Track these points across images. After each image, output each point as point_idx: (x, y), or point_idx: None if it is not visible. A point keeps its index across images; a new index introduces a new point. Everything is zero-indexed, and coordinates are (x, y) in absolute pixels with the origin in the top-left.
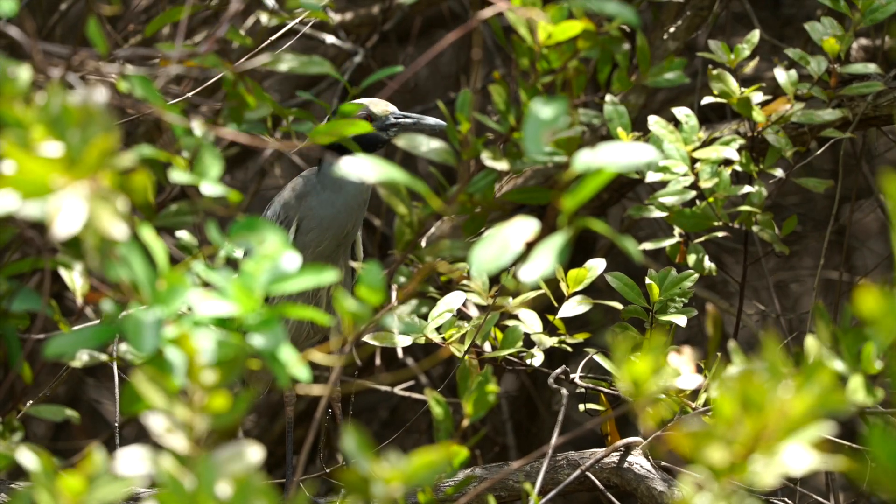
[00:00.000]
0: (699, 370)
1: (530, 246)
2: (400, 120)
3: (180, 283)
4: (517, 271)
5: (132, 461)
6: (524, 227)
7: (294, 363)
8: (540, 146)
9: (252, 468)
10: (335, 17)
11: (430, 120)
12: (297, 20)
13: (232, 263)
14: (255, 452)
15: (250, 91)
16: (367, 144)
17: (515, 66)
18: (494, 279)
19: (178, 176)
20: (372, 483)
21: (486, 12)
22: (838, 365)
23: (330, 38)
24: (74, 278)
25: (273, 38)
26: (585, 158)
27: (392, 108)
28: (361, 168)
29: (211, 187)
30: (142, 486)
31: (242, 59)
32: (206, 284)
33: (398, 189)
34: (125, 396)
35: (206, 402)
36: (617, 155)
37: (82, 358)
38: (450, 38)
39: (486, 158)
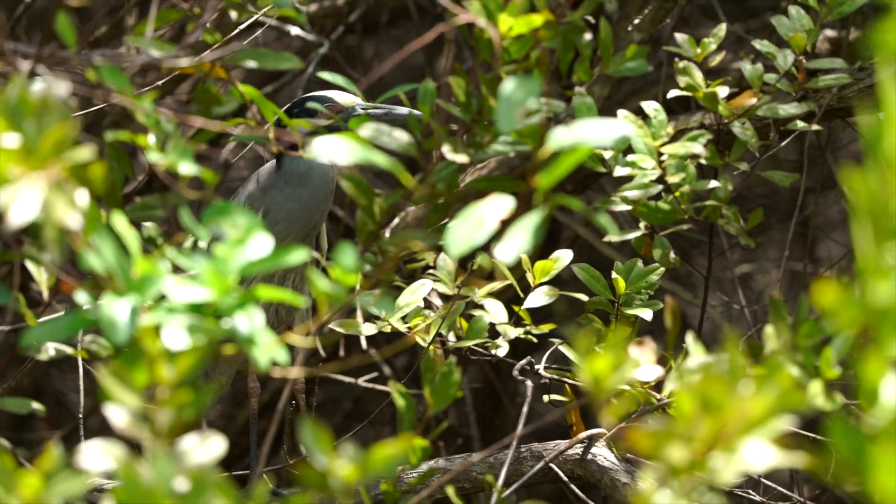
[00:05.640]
0: (661, 361)
1: (504, 226)
2: (369, 111)
3: (154, 270)
4: (493, 250)
5: (93, 455)
6: (499, 204)
7: (272, 345)
8: (513, 123)
9: (212, 461)
10: (301, 9)
11: (402, 110)
12: (262, 11)
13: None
14: (215, 444)
15: (232, 82)
16: None
17: (477, 57)
18: (460, 267)
19: (154, 156)
20: (330, 477)
21: (461, 19)
22: (795, 371)
23: (295, 30)
24: (41, 271)
25: (239, 29)
26: (560, 136)
27: (358, 100)
28: (334, 149)
29: (188, 167)
30: (105, 478)
31: (209, 51)
32: (176, 271)
33: (359, 179)
34: (101, 390)
35: (169, 395)
36: (592, 131)
37: (49, 352)
38: (423, 41)
39: (447, 150)
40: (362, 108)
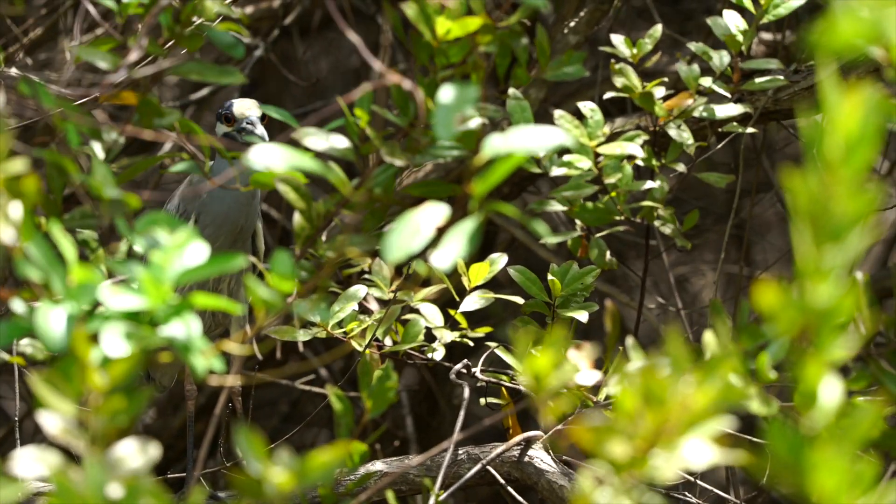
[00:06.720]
0: (599, 365)
1: (440, 233)
2: (248, 126)
3: (91, 278)
4: (429, 257)
5: (27, 463)
6: (435, 212)
7: (209, 353)
8: (450, 130)
9: (146, 467)
10: (236, 11)
11: (260, 131)
12: (202, 20)
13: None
14: (150, 450)
15: (163, 112)
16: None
17: (413, 60)
18: (396, 272)
19: (79, 178)
20: (265, 485)
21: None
22: (733, 379)
23: (230, 33)
24: None
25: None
26: (496, 143)
27: (251, 113)
28: (269, 157)
29: (113, 190)
30: (42, 482)
31: (141, 65)
32: (111, 277)
33: (297, 184)
34: (36, 396)
35: (103, 402)
36: (527, 139)
37: None
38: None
39: (384, 154)
40: (247, 123)
